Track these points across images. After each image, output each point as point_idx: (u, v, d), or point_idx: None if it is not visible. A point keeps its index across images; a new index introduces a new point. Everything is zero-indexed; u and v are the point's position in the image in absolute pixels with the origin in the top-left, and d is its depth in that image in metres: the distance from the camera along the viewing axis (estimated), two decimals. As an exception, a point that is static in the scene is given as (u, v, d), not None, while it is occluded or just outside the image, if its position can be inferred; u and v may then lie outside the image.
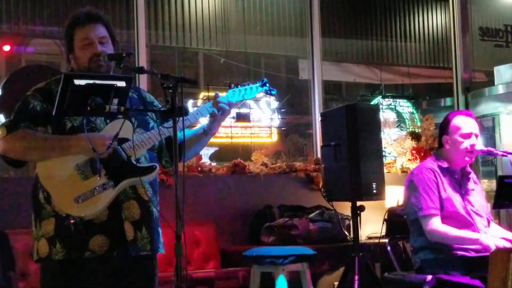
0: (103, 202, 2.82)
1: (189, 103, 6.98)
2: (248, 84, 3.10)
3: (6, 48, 6.85)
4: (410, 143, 7.47)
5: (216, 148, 7.94)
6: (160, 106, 3.14)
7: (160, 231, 3.05)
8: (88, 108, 2.62)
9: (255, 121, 7.23)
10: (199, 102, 7.11)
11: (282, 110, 7.52)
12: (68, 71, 3.04)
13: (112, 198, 2.84)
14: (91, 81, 2.65)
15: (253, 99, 3.18)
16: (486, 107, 7.70)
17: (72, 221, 2.78)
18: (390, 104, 8.45)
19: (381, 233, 5.25)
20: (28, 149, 2.86)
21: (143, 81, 6.25)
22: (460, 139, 4.17)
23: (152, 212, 3.01)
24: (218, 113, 3.02)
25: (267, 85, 3.11)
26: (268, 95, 3.20)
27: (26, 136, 2.86)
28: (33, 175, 2.95)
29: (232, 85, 3.10)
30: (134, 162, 2.89)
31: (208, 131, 3.09)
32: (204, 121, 3.19)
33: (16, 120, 2.90)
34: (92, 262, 2.86)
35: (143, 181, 2.90)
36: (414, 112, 8.44)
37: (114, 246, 2.88)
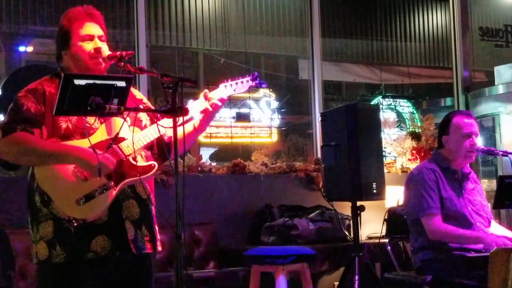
0: (104, 203, 2.82)
1: (189, 103, 6.97)
2: (239, 78, 3.12)
3: (7, 48, 6.85)
4: (410, 143, 7.47)
5: (216, 148, 7.94)
6: (148, 103, 3.20)
7: (157, 228, 3.06)
8: (88, 108, 2.62)
9: (255, 121, 7.23)
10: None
11: (282, 110, 7.51)
12: (59, 70, 3.04)
13: (113, 198, 2.84)
14: (91, 81, 2.64)
15: (245, 92, 3.20)
16: (486, 107, 7.70)
17: (75, 224, 2.78)
18: (390, 104, 8.44)
19: (381, 233, 5.25)
20: (24, 154, 2.84)
21: (143, 81, 6.26)
22: (461, 139, 4.18)
23: (150, 211, 3.02)
24: (210, 109, 3.03)
25: (258, 78, 3.12)
26: (259, 88, 3.21)
27: (23, 141, 2.83)
28: (33, 175, 2.93)
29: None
30: (133, 162, 2.89)
31: (199, 128, 3.10)
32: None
33: (11, 122, 2.87)
34: (93, 263, 2.85)
35: (142, 180, 2.90)
36: (414, 112, 8.44)
37: (117, 246, 2.87)
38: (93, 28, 3.01)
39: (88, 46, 2.97)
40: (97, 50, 2.97)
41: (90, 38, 2.99)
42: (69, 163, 2.81)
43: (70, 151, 2.82)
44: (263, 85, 3.16)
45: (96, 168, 2.76)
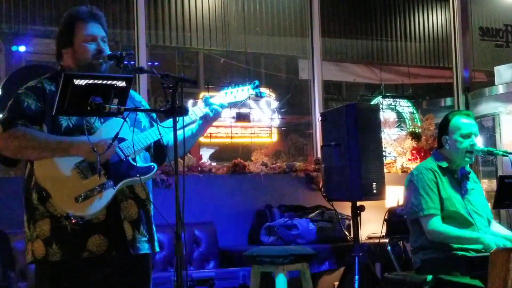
0: (103, 202, 2.82)
1: (189, 103, 6.98)
2: (240, 86, 3.16)
3: (7, 48, 6.85)
4: (410, 143, 7.47)
5: (216, 148, 7.94)
6: (147, 104, 3.23)
7: (155, 229, 3.06)
8: (88, 108, 2.62)
9: (255, 121, 7.22)
10: (199, 102, 7.11)
11: (282, 110, 7.51)
12: (59, 68, 3.04)
13: (111, 198, 2.84)
14: (91, 81, 2.64)
15: (245, 100, 3.26)
16: (486, 107, 7.70)
17: (73, 221, 2.78)
18: (390, 104, 8.44)
19: (381, 233, 5.25)
20: (26, 147, 2.84)
21: (143, 81, 6.26)
22: (460, 139, 4.18)
23: (148, 211, 3.02)
24: (210, 115, 3.06)
25: (258, 88, 3.18)
26: (258, 97, 3.28)
27: (24, 134, 2.83)
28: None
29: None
30: (133, 162, 2.90)
31: (197, 133, 3.12)
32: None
33: (12, 117, 2.87)
34: (90, 262, 2.85)
35: (142, 181, 2.91)
36: (414, 112, 8.44)
37: (113, 246, 2.87)
38: (96, 29, 3.03)
39: (91, 47, 2.99)
40: (100, 52, 2.98)
41: (93, 39, 3.00)
42: (68, 153, 2.82)
43: (69, 141, 2.83)
44: (263, 94, 3.22)
45: (91, 149, 2.77)
